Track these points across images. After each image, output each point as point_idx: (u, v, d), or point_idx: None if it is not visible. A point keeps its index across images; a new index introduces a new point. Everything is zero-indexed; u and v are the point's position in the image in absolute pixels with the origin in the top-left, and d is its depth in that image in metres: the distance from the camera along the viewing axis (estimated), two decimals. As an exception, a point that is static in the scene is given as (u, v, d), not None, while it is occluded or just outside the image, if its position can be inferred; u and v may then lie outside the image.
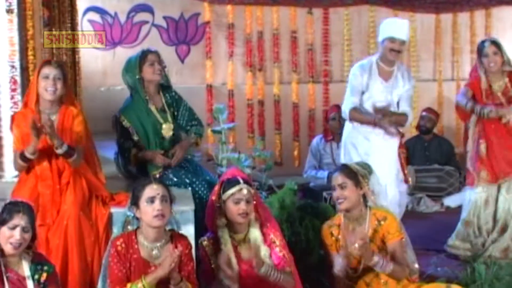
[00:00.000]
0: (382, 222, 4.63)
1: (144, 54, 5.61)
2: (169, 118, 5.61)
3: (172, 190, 5.16)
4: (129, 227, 4.27)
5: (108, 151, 5.97)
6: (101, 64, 8.55)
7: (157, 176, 5.34)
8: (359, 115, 5.89)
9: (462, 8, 9.18)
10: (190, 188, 5.41)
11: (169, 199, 4.14)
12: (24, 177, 4.88)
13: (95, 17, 8.57)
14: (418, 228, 6.43)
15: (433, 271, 5.45)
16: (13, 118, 4.99)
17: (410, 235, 5.33)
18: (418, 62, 9.22)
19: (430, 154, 8.27)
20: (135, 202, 4.11)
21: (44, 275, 3.96)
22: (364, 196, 4.71)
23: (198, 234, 5.24)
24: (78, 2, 8.06)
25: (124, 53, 8.54)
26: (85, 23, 8.52)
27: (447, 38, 9.29)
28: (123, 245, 4.09)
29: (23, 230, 3.87)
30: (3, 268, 3.89)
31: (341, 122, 7.96)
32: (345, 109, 5.99)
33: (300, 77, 9.02)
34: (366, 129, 5.89)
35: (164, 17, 8.72)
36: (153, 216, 4.03)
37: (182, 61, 8.78)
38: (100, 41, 8.50)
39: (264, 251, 4.38)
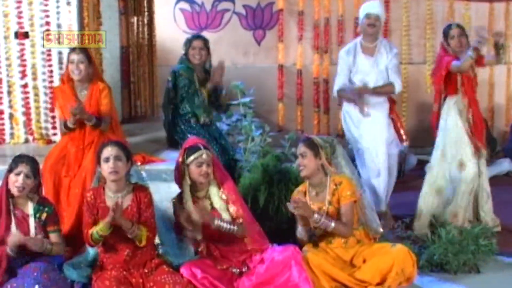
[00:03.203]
0: (339, 186, 4.90)
1: (192, 38, 6.21)
2: (204, 93, 6.14)
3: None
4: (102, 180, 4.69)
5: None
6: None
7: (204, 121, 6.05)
8: (344, 95, 6.21)
9: (515, -3, 8.98)
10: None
11: (124, 158, 4.56)
12: (62, 137, 5.62)
13: (185, 6, 9.13)
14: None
15: (401, 233, 5.63)
16: (54, 93, 5.69)
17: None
18: (472, 47, 9.08)
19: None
20: (98, 161, 4.60)
21: (44, 214, 4.57)
22: (323, 166, 4.96)
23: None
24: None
25: (209, 36, 8.91)
26: (176, 11, 9.14)
27: (500, 25, 9.03)
28: (92, 196, 4.59)
29: (26, 176, 4.49)
30: (11, 207, 4.53)
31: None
32: (334, 89, 6.30)
33: (362, 59, 9.16)
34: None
35: (244, 6, 9.12)
36: (108, 173, 4.51)
37: (259, 44, 9.17)
38: (190, 26, 9.15)
39: (218, 204, 4.77)
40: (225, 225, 4.69)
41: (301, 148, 4.96)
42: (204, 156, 4.74)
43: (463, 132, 5.93)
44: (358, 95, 6.08)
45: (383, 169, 6.11)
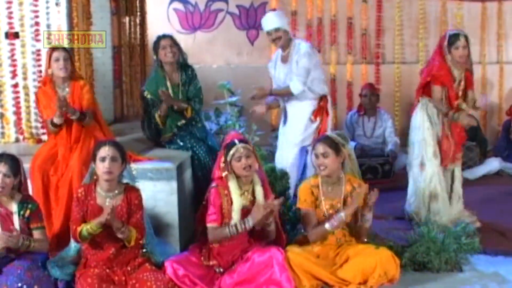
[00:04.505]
0: (358, 189, 4.93)
1: (158, 40, 6.12)
2: (181, 95, 6.07)
3: (174, 152, 5.81)
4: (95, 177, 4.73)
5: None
6: (183, 46, 8.82)
7: (168, 138, 6.00)
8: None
9: (507, -3, 9.01)
10: (191, 152, 5.96)
11: (120, 159, 4.61)
12: (49, 137, 5.62)
13: (179, 6, 9.17)
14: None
15: (384, 234, 5.64)
16: (36, 95, 5.67)
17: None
18: (464, 46, 9.12)
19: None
20: (93, 159, 4.65)
21: (28, 211, 4.61)
22: (342, 162, 4.99)
23: (196, 187, 5.83)
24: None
25: (203, 36, 9.16)
26: (170, 11, 9.18)
27: (492, 24, 9.11)
28: (83, 193, 4.63)
29: (4, 175, 4.54)
30: (-6, 204, 4.57)
31: (371, 99, 8.20)
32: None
33: (355, 59, 9.17)
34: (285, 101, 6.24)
35: (237, 6, 9.16)
36: (103, 172, 4.55)
37: (252, 44, 9.21)
38: (184, 26, 9.20)
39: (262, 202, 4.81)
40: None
41: (321, 148, 4.94)
42: (241, 149, 4.78)
43: (428, 133, 5.98)
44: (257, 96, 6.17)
45: (289, 169, 6.08)
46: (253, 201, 4.85)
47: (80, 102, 5.50)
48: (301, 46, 6.13)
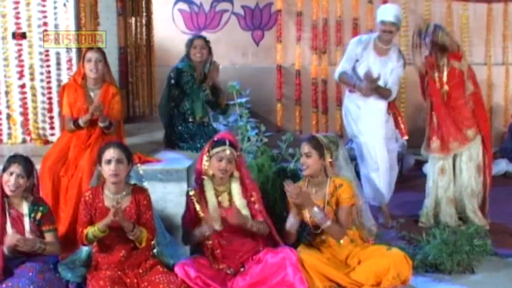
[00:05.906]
0: (339, 188, 4.89)
1: (193, 38, 6.41)
2: (206, 90, 6.24)
3: (184, 153, 5.81)
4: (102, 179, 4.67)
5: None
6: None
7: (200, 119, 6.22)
8: (345, 78, 6.29)
9: (514, -2, 8.99)
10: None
11: (126, 160, 4.56)
12: (62, 135, 5.63)
13: (184, 6, 9.19)
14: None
15: (396, 234, 5.64)
16: (63, 87, 5.65)
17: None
18: (470, 47, 9.06)
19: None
20: (99, 161, 4.60)
21: (39, 214, 4.57)
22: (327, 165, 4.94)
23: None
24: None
25: (208, 37, 9.08)
26: (175, 12, 9.18)
27: (498, 25, 9.08)
28: (91, 195, 4.58)
29: (18, 176, 4.51)
30: (6, 206, 4.53)
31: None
32: (337, 72, 6.37)
33: (360, 60, 9.17)
34: (356, 97, 6.24)
35: (242, 6, 9.17)
36: (109, 175, 4.51)
37: (257, 44, 9.22)
38: (188, 27, 9.19)
39: (239, 201, 4.77)
40: (248, 223, 4.73)
41: (306, 148, 4.93)
42: (227, 152, 4.74)
43: None
44: (358, 82, 6.17)
45: (381, 163, 6.15)
46: (231, 199, 4.82)
47: (108, 109, 5.48)
48: (401, 54, 6.37)
